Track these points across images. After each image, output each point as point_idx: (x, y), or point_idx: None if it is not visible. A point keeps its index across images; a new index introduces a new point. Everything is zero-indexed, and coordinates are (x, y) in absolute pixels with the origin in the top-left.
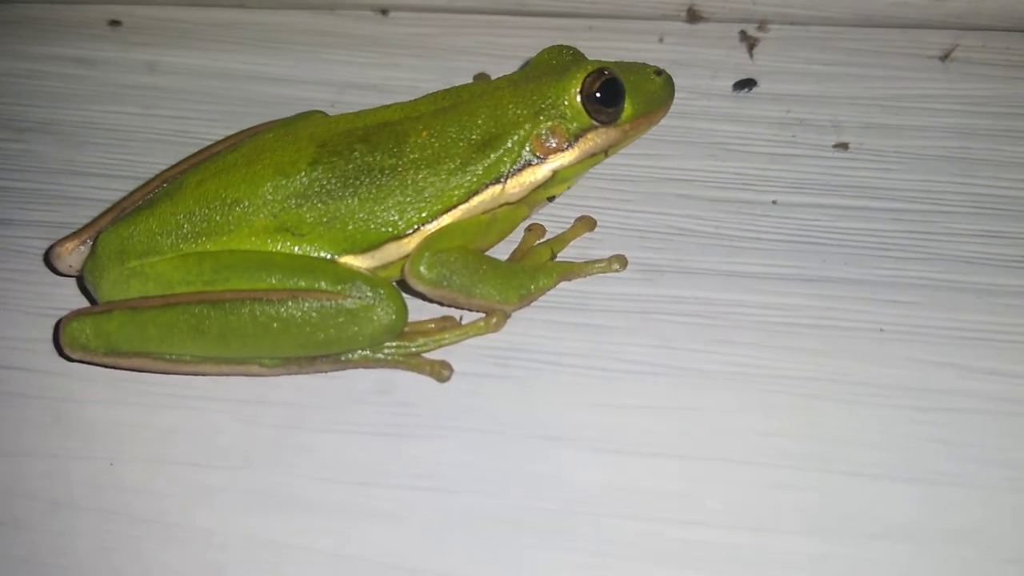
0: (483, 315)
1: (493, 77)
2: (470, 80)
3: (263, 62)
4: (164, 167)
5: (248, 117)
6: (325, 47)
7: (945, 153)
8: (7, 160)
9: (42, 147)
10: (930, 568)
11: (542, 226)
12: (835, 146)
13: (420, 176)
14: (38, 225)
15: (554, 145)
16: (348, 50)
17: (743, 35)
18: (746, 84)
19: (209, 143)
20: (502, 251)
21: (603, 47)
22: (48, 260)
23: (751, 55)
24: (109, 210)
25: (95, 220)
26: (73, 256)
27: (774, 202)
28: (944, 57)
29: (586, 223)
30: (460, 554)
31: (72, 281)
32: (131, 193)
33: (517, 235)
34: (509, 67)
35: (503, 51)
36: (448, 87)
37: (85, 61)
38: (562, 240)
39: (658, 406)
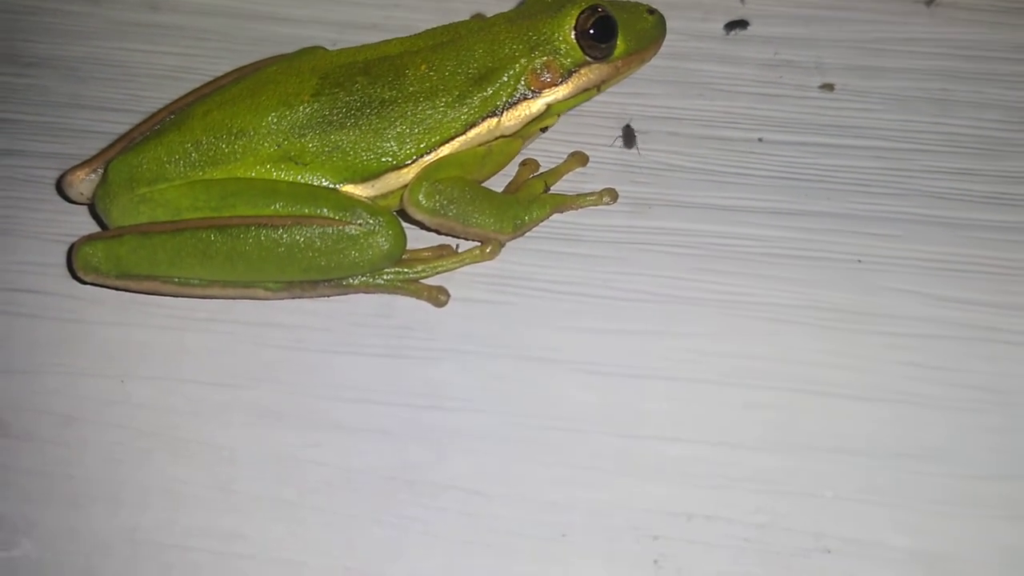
0: (479, 244)
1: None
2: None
3: (263, 1)
4: (168, 101)
5: (250, 55)
6: None
7: (926, 95)
8: (14, 94)
9: (48, 82)
10: (899, 482)
11: (536, 160)
12: (820, 87)
13: (419, 108)
14: (48, 156)
15: (548, 79)
16: None
17: None
18: (737, 24)
19: (212, 79)
20: (497, 185)
21: None
22: (60, 188)
23: None
24: (118, 140)
25: (105, 150)
26: (84, 184)
27: (760, 140)
28: (929, 2)
29: (579, 158)
30: (456, 467)
31: (83, 209)
32: (139, 124)
33: (512, 169)
34: (505, 6)
35: None
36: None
37: None
38: (555, 173)
39: (645, 331)
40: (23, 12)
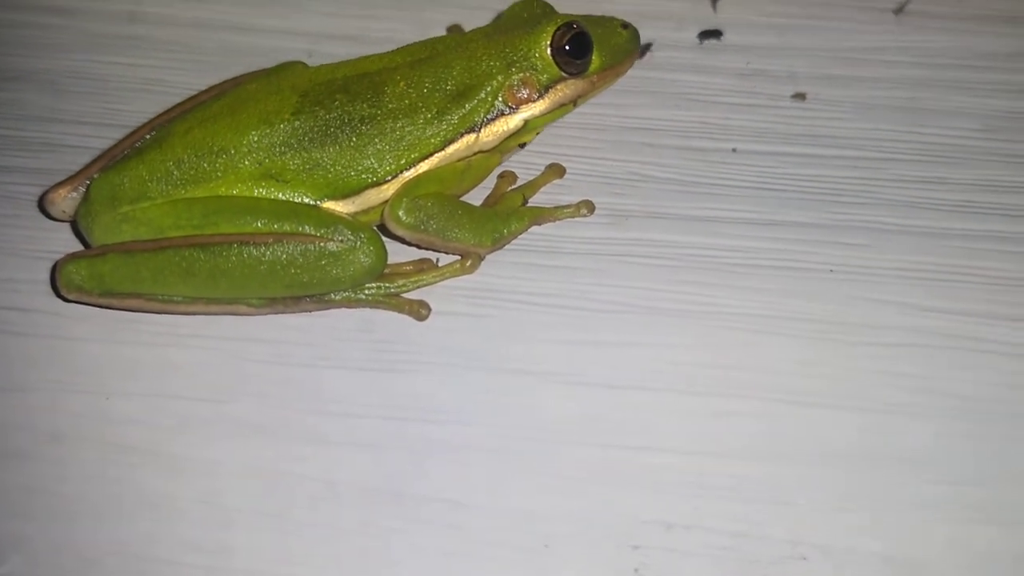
0: (459, 257)
1: (466, 29)
2: (444, 31)
3: (242, 12)
4: (148, 115)
5: (228, 67)
6: None
7: (896, 103)
8: None
9: (25, 95)
10: (876, 490)
11: (514, 173)
12: (792, 96)
13: (398, 125)
14: (26, 171)
15: (525, 95)
16: (324, 2)
17: None
18: (711, 34)
19: (190, 92)
20: (476, 197)
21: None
22: (42, 206)
23: (714, 8)
24: (99, 157)
25: (86, 167)
26: (66, 202)
27: (734, 150)
28: (898, 11)
29: (555, 170)
30: (439, 479)
31: (64, 226)
32: (120, 141)
33: (490, 182)
34: (482, 18)
35: (476, 3)
36: (423, 39)
37: (64, 11)
38: (533, 186)
39: (624, 342)
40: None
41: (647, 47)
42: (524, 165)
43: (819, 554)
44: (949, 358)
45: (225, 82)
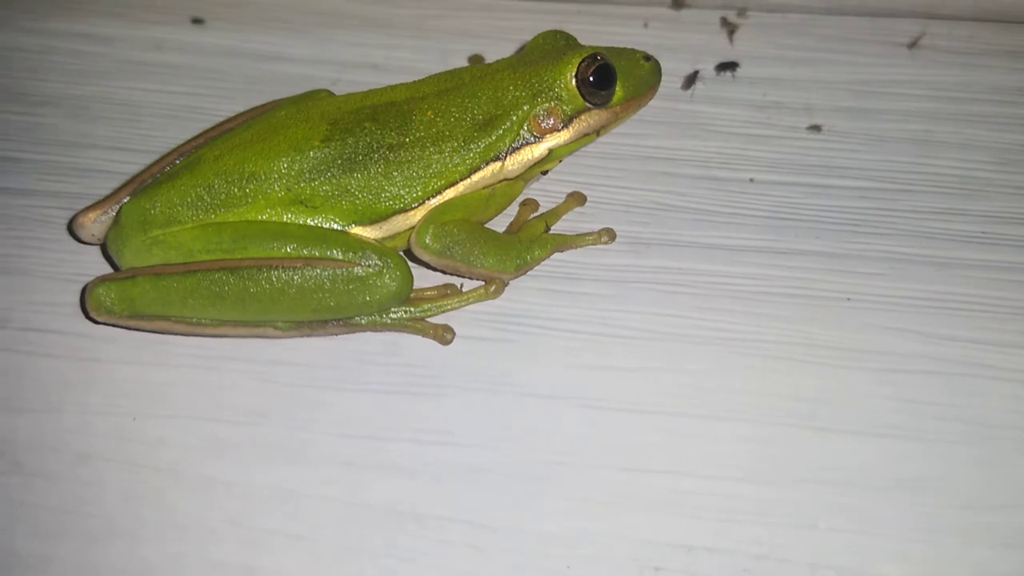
0: (483, 283)
1: (487, 59)
2: (465, 62)
3: (268, 41)
4: (176, 141)
5: (254, 94)
6: (328, 27)
7: (910, 136)
8: (24, 133)
9: (57, 120)
10: (892, 513)
11: (536, 201)
12: (808, 128)
13: (425, 153)
14: (57, 195)
15: (550, 125)
16: (350, 30)
17: (724, 21)
18: (729, 67)
19: (218, 118)
20: (498, 225)
21: (591, 31)
22: (71, 229)
23: (731, 41)
24: (129, 182)
25: (116, 192)
26: (96, 225)
27: (751, 180)
28: (911, 45)
29: (577, 198)
30: (462, 501)
31: (94, 249)
32: (149, 166)
33: (512, 209)
34: (504, 49)
35: (499, 34)
36: (447, 69)
37: (95, 37)
38: (555, 214)
39: (644, 367)
40: (32, 51)
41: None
42: (546, 193)
43: None
44: (967, 385)
45: (253, 109)
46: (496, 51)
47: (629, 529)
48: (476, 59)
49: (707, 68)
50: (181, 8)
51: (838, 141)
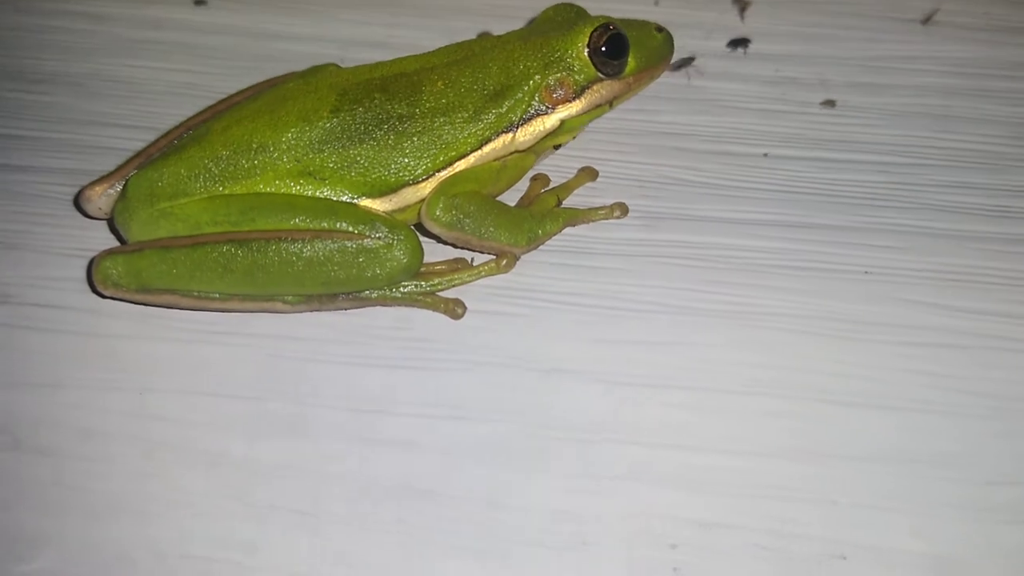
0: (494, 257)
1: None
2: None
3: (271, 19)
4: (179, 118)
5: (257, 72)
6: (331, 6)
7: (925, 110)
8: (24, 110)
9: (57, 98)
10: (912, 488)
11: (547, 176)
12: (822, 103)
13: (435, 124)
14: (60, 172)
15: (562, 96)
16: (353, 9)
17: None
18: (740, 43)
19: (221, 96)
20: (509, 200)
21: (601, 7)
22: (78, 203)
23: (742, 17)
24: (135, 156)
25: (122, 166)
26: (102, 199)
27: (765, 155)
28: (925, 20)
29: (588, 173)
30: (472, 477)
31: (100, 224)
32: (156, 140)
33: (523, 184)
34: (510, 27)
35: (504, 11)
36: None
37: (93, 16)
38: (566, 188)
39: (658, 341)
40: (30, 30)
41: (689, 60)
42: (557, 168)
43: (858, 553)
44: (984, 358)
45: (260, 83)
46: (501, 29)
47: (645, 505)
48: (485, 36)
49: (708, 50)
50: None
51: (853, 116)
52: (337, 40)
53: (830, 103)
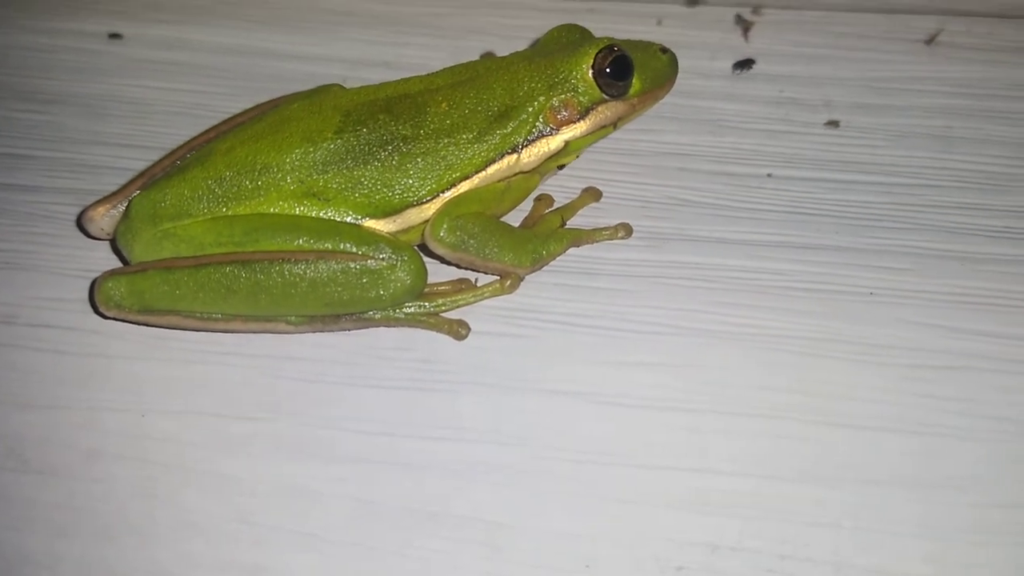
0: (498, 278)
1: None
2: (477, 58)
3: (277, 39)
4: (184, 138)
5: (264, 92)
6: (337, 25)
7: (930, 131)
8: (31, 130)
9: (64, 118)
10: (923, 513)
11: (550, 196)
12: (826, 124)
13: (440, 145)
14: (65, 192)
15: (566, 117)
16: (360, 28)
17: (738, 18)
18: (745, 64)
19: (226, 116)
20: (512, 220)
21: (604, 28)
22: (80, 224)
23: (746, 38)
24: (138, 176)
25: (125, 186)
26: (105, 220)
27: (769, 175)
28: (929, 41)
29: (592, 193)
30: (478, 499)
31: (103, 245)
32: (159, 160)
33: (526, 204)
34: (515, 47)
35: (509, 32)
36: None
37: (100, 36)
38: (571, 209)
39: (663, 363)
40: (39, 50)
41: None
42: (561, 189)
43: None
44: (993, 381)
45: (263, 104)
46: (507, 49)
47: (650, 528)
48: (488, 56)
49: (712, 71)
50: (188, 6)
51: (857, 137)
52: (342, 60)
53: (834, 123)
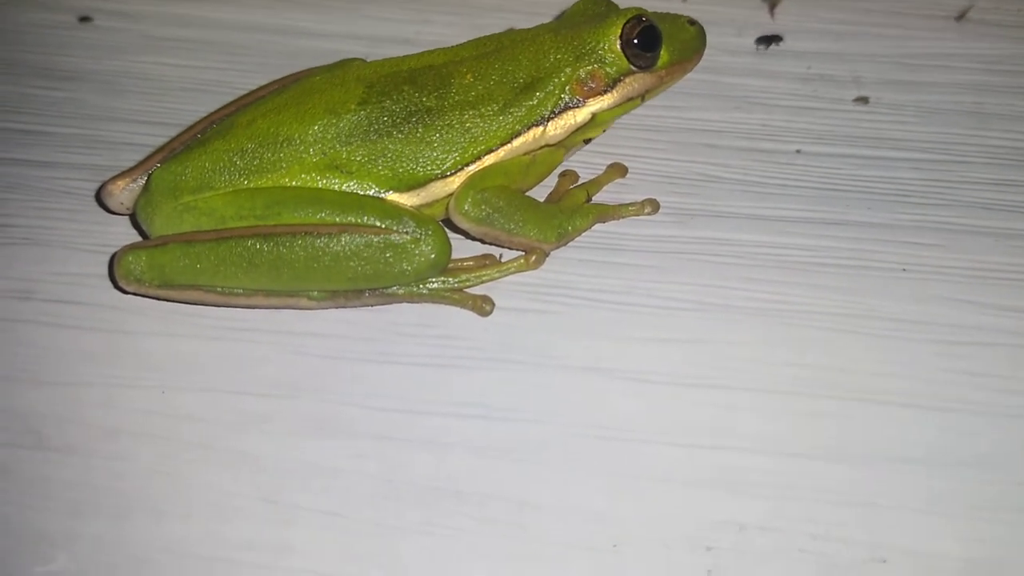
0: (523, 253)
1: None
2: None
3: (296, 16)
4: (204, 114)
5: (283, 69)
6: (358, 2)
7: (960, 107)
8: (50, 107)
9: (83, 95)
10: (955, 491)
11: (575, 172)
12: (855, 100)
13: (465, 117)
14: (84, 168)
15: (593, 88)
16: (380, 5)
17: None
18: (771, 39)
19: (246, 92)
20: (537, 196)
21: (630, 3)
22: (100, 198)
23: (772, 15)
24: (157, 151)
25: (144, 161)
26: (124, 194)
27: (798, 151)
28: (959, 17)
29: (618, 169)
30: (503, 477)
31: (122, 219)
32: (179, 134)
33: (551, 180)
34: (538, 23)
35: (532, 8)
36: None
37: (121, 13)
38: (596, 184)
39: (691, 339)
40: (57, 27)
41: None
42: (586, 165)
43: (899, 557)
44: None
45: (284, 77)
46: (531, 24)
47: (678, 507)
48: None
49: (738, 47)
50: None
51: (887, 113)
52: (362, 37)
53: (863, 100)
